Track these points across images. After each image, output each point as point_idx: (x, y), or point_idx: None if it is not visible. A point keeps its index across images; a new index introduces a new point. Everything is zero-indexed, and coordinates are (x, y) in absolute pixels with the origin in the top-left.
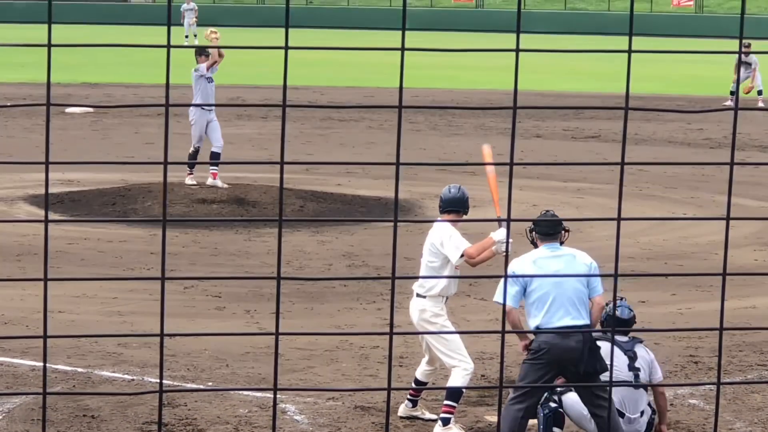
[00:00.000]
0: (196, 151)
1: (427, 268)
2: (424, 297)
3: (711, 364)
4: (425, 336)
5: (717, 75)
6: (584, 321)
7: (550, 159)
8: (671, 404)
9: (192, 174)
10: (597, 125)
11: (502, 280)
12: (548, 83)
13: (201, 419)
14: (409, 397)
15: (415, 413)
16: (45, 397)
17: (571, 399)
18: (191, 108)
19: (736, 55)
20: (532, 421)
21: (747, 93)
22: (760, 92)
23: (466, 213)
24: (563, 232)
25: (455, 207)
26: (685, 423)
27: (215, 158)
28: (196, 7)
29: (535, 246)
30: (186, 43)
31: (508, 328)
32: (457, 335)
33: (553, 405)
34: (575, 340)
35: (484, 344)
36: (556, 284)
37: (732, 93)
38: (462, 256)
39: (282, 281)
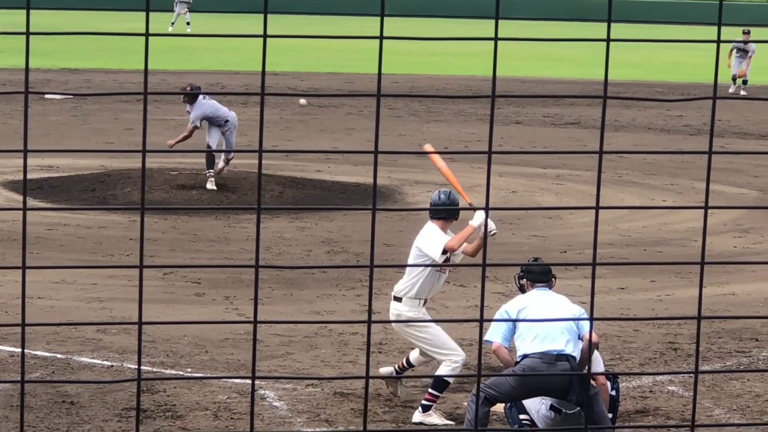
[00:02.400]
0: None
1: (409, 271)
2: (400, 300)
3: (690, 350)
4: (409, 338)
5: (697, 62)
6: (572, 352)
7: (529, 145)
8: (650, 391)
9: (212, 178)
10: (577, 111)
11: (493, 325)
12: (528, 69)
13: (180, 405)
14: (398, 366)
15: (393, 383)
16: (23, 385)
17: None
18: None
19: (733, 45)
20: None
21: (741, 77)
22: (745, 81)
23: (455, 218)
24: (553, 279)
25: (444, 213)
26: (664, 409)
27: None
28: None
29: (523, 291)
30: (171, 30)
31: (486, 318)
32: (441, 330)
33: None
34: (561, 369)
35: (464, 331)
36: (548, 317)
37: (734, 79)
38: (445, 251)
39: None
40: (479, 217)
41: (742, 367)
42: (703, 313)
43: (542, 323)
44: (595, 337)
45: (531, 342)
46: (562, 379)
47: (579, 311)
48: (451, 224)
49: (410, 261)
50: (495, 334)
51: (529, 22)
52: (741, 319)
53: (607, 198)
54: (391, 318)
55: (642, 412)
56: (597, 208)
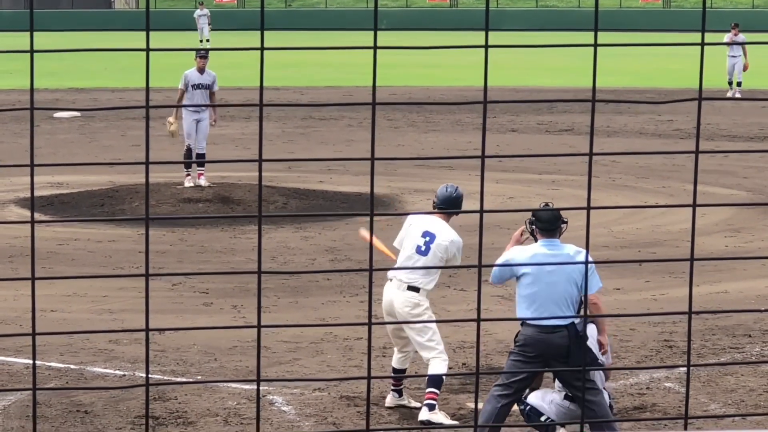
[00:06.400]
0: (189, 150)
1: (431, 263)
2: (417, 290)
3: (685, 348)
4: (409, 329)
5: (685, 67)
6: (570, 321)
7: (524, 152)
8: (647, 388)
9: (190, 176)
10: (570, 119)
11: (499, 259)
12: (522, 79)
13: (191, 412)
14: (392, 387)
15: (401, 402)
16: (35, 393)
17: (533, 396)
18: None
19: (726, 38)
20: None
21: (746, 70)
22: (738, 83)
23: (457, 213)
24: (562, 225)
25: (449, 206)
26: (661, 405)
27: (200, 159)
28: (209, 13)
29: (535, 238)
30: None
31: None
32: (436, 327)
33: (527, 405)
34: (559, 336)
35: (465, 334)
36: (548, 285)
37: (730, 83)
38: None
39: (267, 276)
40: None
41: (735, 362)
42: (696, 310)
43: (542, 293)
44: (594, 298)
45: (527, 309)
46: (561, 345)
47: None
48: (451, 217)
49: (435, 255)
50: (496, 277)
51: (522, 32)
52: (734, 315)
53: (600, 201)
54: (403, 306)
55: (639, 409)
56: (588, 208)
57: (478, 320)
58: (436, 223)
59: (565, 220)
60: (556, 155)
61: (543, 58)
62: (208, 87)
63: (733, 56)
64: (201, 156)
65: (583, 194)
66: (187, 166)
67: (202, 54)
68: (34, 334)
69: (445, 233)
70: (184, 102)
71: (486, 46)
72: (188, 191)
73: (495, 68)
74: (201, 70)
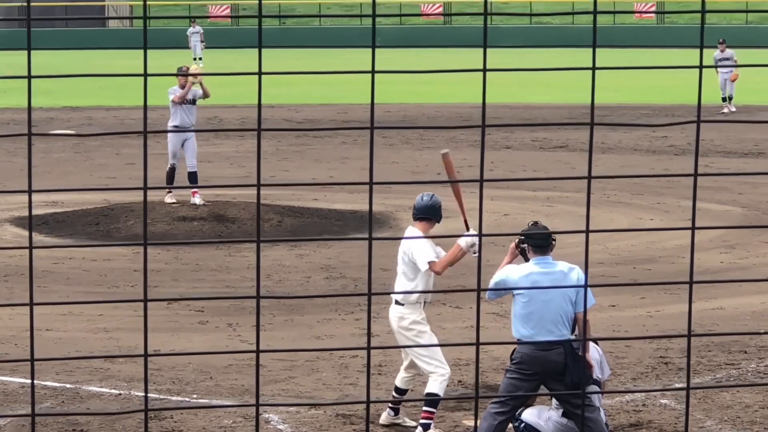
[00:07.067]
0: (173, 169)
1: (402, 276)
2: (402, 304)
3: (681, 364)
4: (404, 343)
5: (680, 84)
6: (566, 336)
7: (519, 169)
8: (643, 404)
9: (171, 192)
10: (565, 135)
11: (494, 277)
12: (516, 96)
13: (187, 431)
14: (390, 405)
15: (396, 421)
16: (34, 418)
17: (529, 413)
18: (169, 124)
19: (713, 58)
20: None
21: (734, 80)
22: (730, 98)
23: (438, 221)
24: (552, 242)
25: (427, 215)
26: (657, 422)
27: (192, 178)
28: (201, 30)
29: (526, 257)
30: (200, 64)
31: (482, 340)
32: (435, 341)
33: (522, 422)
34: (556, 353)
35: (460, 351)
36: (543, 303)
37: (724, 99)
38: (428, 267)
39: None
40: (468, 238)
41: (732, 380)
42: (693, 327)
43: (538, 312)
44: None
45: (523, 328)
46: (558, 362)
47: (578, 278)
48: (433, 226)
49: (400, 266)
50: (492, 294)
51: (516, 49)
52: (730, 334)
53: (596, 218)
54: (393, 321)
55: (635, 426)
56: (587, 231)
57: (477, 344)
58: (409, 232)
59: (554, 237)
60: (555, 178)
61: (537, 74)
62: (193, 102)
63: (723, 72)
64: (192, 174)
65: (578, 210)
66: (169, 182)
67: (184, 70)
68: (32, 359)
69: (409, 237)
70: (170, 119)
71: (484, 70)
72: (183, 209)
73: (489, 85)
74: (183, 87)
